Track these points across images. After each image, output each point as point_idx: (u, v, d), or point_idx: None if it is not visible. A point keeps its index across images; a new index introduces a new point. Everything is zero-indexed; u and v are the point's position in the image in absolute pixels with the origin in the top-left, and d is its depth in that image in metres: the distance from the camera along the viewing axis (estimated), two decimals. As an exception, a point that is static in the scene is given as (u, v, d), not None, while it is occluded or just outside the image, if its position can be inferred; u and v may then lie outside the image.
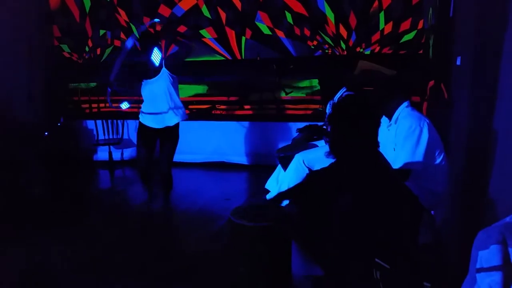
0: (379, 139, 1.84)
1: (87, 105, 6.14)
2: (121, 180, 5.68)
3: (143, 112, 4.08)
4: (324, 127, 3.99)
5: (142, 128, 4.07)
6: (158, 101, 3.98)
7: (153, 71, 3.97)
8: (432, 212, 2.69)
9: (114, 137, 5.93)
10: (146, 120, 4.05)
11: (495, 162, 2.32)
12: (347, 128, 1.78)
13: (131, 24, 5.82)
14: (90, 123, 6.17)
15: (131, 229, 3.83)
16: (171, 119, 4.02)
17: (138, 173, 4.31)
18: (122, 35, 5.90)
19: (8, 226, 3.75)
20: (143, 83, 4.02)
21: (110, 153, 5.79)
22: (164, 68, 3.98)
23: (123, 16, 5.83)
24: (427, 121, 2.54)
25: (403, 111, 2.60)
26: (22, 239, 3.52)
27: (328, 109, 3.80)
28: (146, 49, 3.91)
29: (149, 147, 4.08)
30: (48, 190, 4.91)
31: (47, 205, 4.43)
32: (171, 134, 4.07)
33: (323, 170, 1.85)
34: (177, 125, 4.07)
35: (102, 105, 6.04)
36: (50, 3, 6.00)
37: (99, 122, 5.94)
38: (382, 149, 1.86)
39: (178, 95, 4.08)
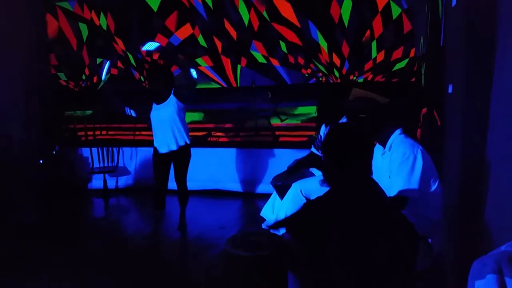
0: (373, 167, 1.84)
1: (82, 133, 6.14)
2: (116, 208, 5.62)
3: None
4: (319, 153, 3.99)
5: (154, 152, 4.19)
6: (164, 126, 4.07)
7: (161, 97, 4.08)
8: (429, 240, 2.67)
9: (109, 165, 5.91)
10: (156, 143, 4.16)
11: (489, 189, 2.33)
12: (339, 156, 1.78)
13: (128, 53, 5.90)
14: (86, 151, 6.15)
15: (125, 258, 3.77)
16: (173, 144, 4.09)
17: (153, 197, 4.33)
18: (119, 64, 5.97)
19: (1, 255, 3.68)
20: (153, 107, 4.13)
21: (105, 181, 5.75)
22: (172, 95, 4.07)
23: (120, 45, 5.91)
24: (421, 148, 2.55)
25: (397, 138, 2.61)
26: (15, 268, 3.46)
27: (323, 137, 3.80)
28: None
29: (161, 171, 4.17)
30: (42, 218, 4.85)
31: (41, 234, 4.36)
32: (180, 156, 4.15)
33: (318, 199, 1.84)
34: (183, 148, 4.13)
35: (98, 132, 6.05)
36: (48, 32, 6.09)
37: (94, 150, 5.92)
38: (377, 177, 1.86)
39: (184, 121, 4.17)
